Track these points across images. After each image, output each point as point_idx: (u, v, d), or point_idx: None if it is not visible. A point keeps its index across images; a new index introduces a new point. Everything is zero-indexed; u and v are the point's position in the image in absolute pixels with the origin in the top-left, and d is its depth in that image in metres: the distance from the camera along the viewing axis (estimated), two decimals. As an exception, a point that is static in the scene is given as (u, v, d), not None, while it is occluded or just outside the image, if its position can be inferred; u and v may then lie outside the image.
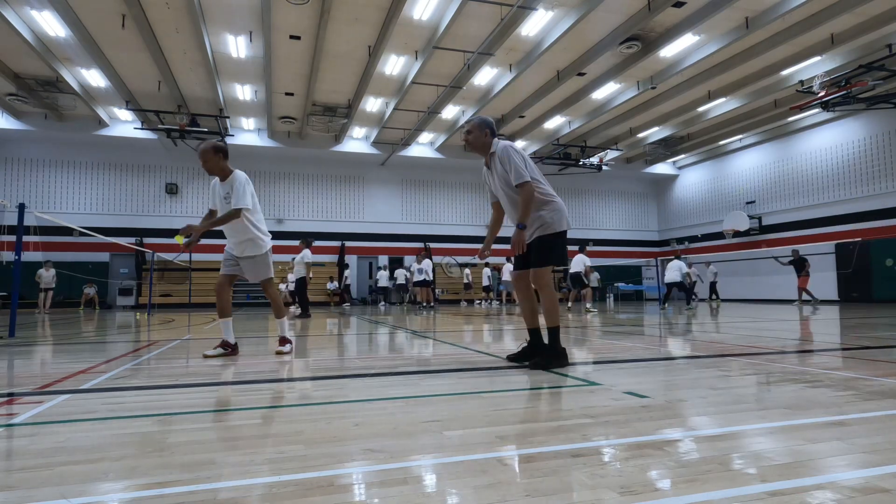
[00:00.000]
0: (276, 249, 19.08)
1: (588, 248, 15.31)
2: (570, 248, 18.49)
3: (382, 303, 20.72)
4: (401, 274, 20.59)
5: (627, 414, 2.16)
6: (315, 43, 13.36)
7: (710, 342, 5.29)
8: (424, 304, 16.90)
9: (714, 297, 18.14)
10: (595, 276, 23.66)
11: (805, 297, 15.58)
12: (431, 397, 2.61)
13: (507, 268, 16.80)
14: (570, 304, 15.59)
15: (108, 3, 11.63)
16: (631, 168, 25.08)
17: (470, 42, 13.23)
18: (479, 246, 18.56)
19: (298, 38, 13.32)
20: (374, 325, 8.51)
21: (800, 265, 15.37)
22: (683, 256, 15.27)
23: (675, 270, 14.11)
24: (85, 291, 18.13)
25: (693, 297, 14.65)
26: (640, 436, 1.84)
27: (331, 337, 6.43)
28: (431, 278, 17.19)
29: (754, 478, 1.41)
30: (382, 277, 20.59)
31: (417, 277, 16.76)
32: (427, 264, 17.11)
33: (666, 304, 14.46)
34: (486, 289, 19.89)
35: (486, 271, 20.00)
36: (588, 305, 14.78)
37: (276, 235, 19.53)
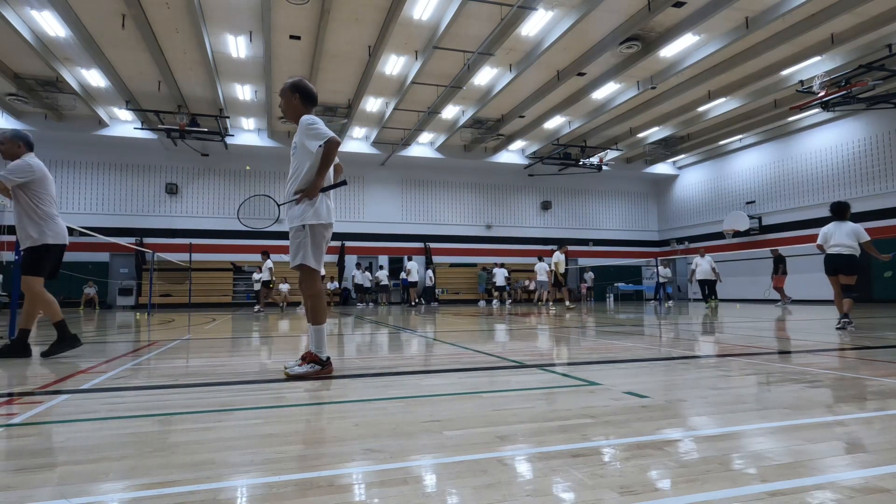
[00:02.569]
0: (276, 250, 19.24)
1: (568, 248, 15.72)
2: (549, 247, 18.93)
3: (363, 303, 20.90)
4: (383, 275, 20.86)
5: (627, 414, 2.16)
6: (315, 43, 13.36)
7: (710, 342, 5.29)
8: (413, 302, 18.42)
9: (713, 297, 18.15)
10: (589, 275, 23.73)
11: (776, 295, 15.88)
12: (431, 397, 2.61)
13: (542, 267, 17.02)
14: (567, 303, 15.86)
15: (108, 3, 11.63)
16: (631, 168, 25.07)
17: (470, 42, 13.22)
18: (480, 246, 18.78)
19: (298, 38, 13.32)
20: (373, 325, 8.51)
21: (779, 263, 15.46)
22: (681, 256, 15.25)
23: (708, 265, 13.76)
24: (85, 291, 18.14)
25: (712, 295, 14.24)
26: (640, 436, 1.84)
27: (330, 337, 6.42)
28: (416, 279, 18.79)
29: (754, 478, 1.41)
30: (364, 278, 20.94)
31: (412, 278, 18.33)
32: (412, 265, 18.71)
33: (710, 301, 14.21)
34: (500, 288, 20.38)
35: (503, 272, 20.48)
36: (550, 303, 15.29)
37: (275, 236, 19.55)
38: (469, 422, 2.07)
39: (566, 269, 15.07)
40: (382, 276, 20.86)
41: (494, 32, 12.43)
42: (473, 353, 4.48)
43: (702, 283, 13.92)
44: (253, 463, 1.59)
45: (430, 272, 21.32)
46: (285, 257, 12.74)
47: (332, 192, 3.41)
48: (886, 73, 13.37)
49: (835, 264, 6.73)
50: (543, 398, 2.56)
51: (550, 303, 15.52)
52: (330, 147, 3.17)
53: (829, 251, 6.79)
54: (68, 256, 17.02)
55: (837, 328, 6.37)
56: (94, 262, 19.58)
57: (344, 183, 3.41)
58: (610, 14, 12.23)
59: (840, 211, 6.94)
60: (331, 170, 3.42)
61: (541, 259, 18.30)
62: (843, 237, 6.71)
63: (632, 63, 14.34)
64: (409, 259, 20.81)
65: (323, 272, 3.52)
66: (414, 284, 19.22)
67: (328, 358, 3.25)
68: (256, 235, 21.42)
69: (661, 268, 19.50)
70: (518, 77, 14.93)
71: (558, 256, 15.32)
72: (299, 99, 3.42)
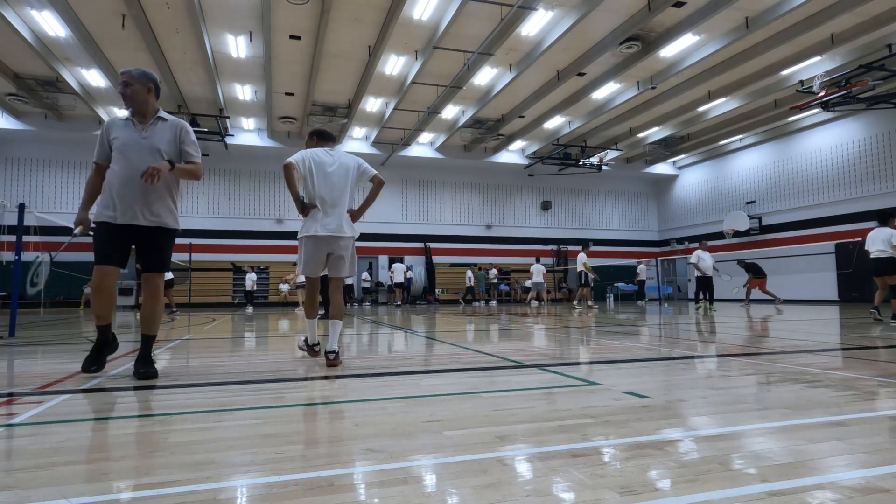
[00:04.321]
0: (276, 250, 19.40)
1: (588, 248, 15.90)
2: (573, 248, 19.38)
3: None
4: (388, 276, 21.56)
5: (627, 414, 2.16)
6: (315, 43, 13.36)
7: (711, 342, 5.29)
8: (399, 302, 20.00)
9: (708, 297, 18.11)
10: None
11: (748, 297, 15.99)
12: (431, 397, 2.61)
13: (538, 268, 18.01)
14: (575, 302, 16.15)
15: (108, 3, 11.63)
16: (631, 168, 25.07)
17: (470, 42, 13.22)
18: (480, 246, 18.88)
19: (298, 38, 13.31)
20: (373, 325, 8.51)
21: (757, 269, 15.57)
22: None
23: (711, 261, 12.52)
24: (85, 292, 18.11)
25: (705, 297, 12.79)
26: (640, 436, 1.84)
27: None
28: (401, 280, 20.05)
29: (754, 478, 1.41)
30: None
31: (397, 279, 19.93)
32: (397, 268, 20.04)
33: (705, 303, 12.59)
34: (528, 289, 21.05)
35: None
36: (590, 303, 15.63)
37: (276, 236, 19.65)
38: (469, 422, 2.07)
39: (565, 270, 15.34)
40: (387, 277, 21.51)
41: (494, 32, 12.43)
42: (473, 353, 4.48)
43: (704, 280, 12.51)
44: (253, 463, 1.59)
45: (470, 273, 21.72)
46: (293, 257, 13.09)
47: (329, 205, 3.80)
48: (886, 73, 13.36)
49: (874, 267, 7.63)
50: (543, 398, 2.56)
51: (545, 303, 15.90)
52: (283, 172, 3.75)
53: (871, 255, 7.65)
54: (67, 257, 16.76)
55: (877, 320, 7.33)
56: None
57: (300, 202, 3.80)
58: (610, 14, 12.23)
59: (879, 217, 7.76)
60: (343, 181, 3.87)
61: (538, 260, 19.10)
62: (879, 243, 7.53)
63: (632, 63, 14.33)
64: (401, 261, 21.79)
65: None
66: (400, 285, 20.16)
67: (315, 345, 4.09)
68: (256, 236, 21.42)
69: (642, 266, 20.27)
70: (518, 77, 14.92)
71: (583, 257, 15.48)
72: (309, 136, 4.13)
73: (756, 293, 16.17)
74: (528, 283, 21.18)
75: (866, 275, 8.07)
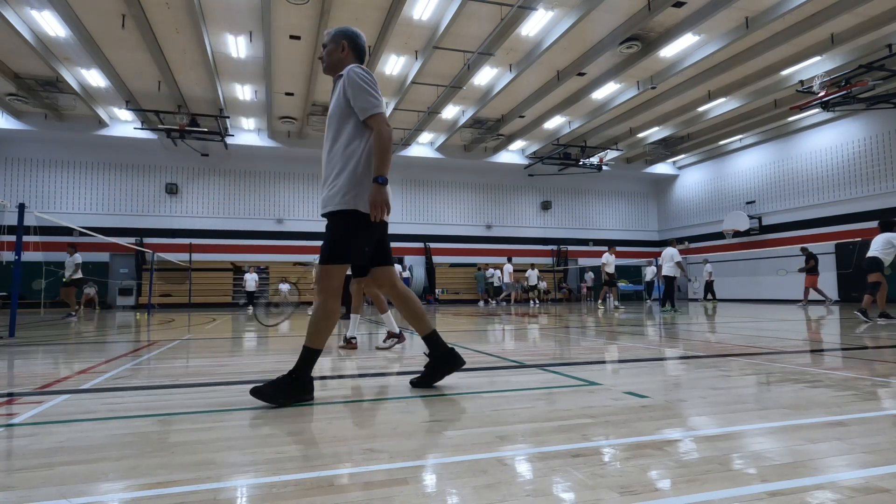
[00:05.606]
0: (276, 250, 19.37)
1: (614, 249, 15.93)
2: (600, 248, 19.84)
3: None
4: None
5: (627, 414, 2.16)
6: (315, 43, 13.36)
7: (710, 342, 5.29)
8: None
9: (710, 297, 18.05)
10: (589, 275, 23.95)
11: (815, 296, 14.77)
12: (431, 397, 2.61)
13: (507, 269, 18.25)
14: (614, 302, 16.59)
15: (108, 3, 11.63)
16: (631, 168, 25.07)
17: (470, 42, 13.22)
18: (480, 246, 18.95)
19: (298, 38, 13.31)
20: (372, 325, 8.51)
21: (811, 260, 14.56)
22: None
23: (667, 260, 12.14)
24: (85, 291, 18.10)
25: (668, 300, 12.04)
26: (640, 436, 1.84)
27: (332, 337, 6.42)
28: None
29: (754, 478, 1.41)
30: None
31: None
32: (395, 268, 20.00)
33: (669, 305, 12.15)
34: (532, 287, 21.09)
35: (535, 273, 21.16)
36: (599, 303, 16.07)
37: (276, 236, 19.67)
38: (469, 422, 2.07)
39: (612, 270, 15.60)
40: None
41: (494, 32, 12.43)
42: (473, 352, 4.48)
43: (671, 281, 12.10)
44: (253, 463, 1.59)
45: (497, 272, 21.24)
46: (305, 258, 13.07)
47: None
48: (886, 73, 13.37)
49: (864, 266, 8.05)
50: (543, 398, 2.56)
51: (512, 303, 16.30)
52: None
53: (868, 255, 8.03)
54: (67, 257, 16.52)
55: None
56: (94, 262, 19.55)
57: None
58: (610, 14, 12.23)
59: (883, 225, 8.11)
60: None
61: (509, 260, 19.43)
62: (875, 244, 7.93)
63: (632, 63, 14.34)
64: (400, 262, 21.91)
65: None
66: None
67: (353, 338, 5.00)
68: (256, 236, 21.41)
69: (651, 268, 20.27)
70: (518, 77, 14.92)
71: (608, 257, 15.50)
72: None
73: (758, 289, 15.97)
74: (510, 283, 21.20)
75: (866, 275, 8.12)
